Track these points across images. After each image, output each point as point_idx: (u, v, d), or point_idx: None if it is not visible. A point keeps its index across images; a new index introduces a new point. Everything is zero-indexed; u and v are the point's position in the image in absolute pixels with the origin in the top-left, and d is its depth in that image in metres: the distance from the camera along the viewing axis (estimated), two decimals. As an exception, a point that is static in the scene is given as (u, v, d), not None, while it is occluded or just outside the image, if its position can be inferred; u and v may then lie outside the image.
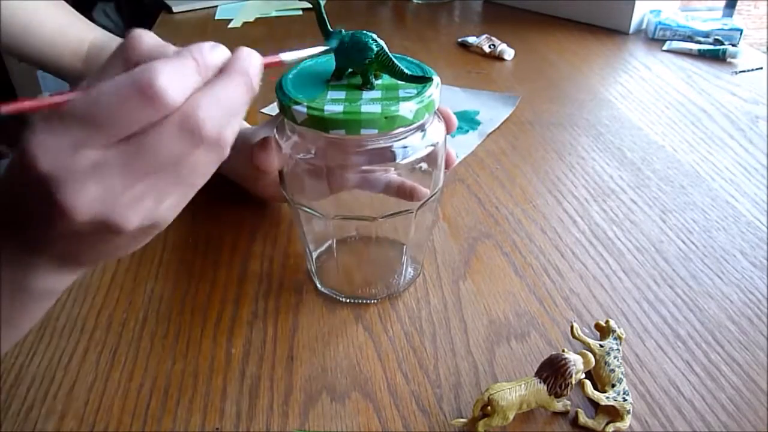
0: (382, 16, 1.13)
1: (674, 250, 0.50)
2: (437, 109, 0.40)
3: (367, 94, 0.36)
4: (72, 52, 0.61)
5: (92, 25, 0.65)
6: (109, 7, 2.07)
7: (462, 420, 0.35)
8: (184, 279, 0.47)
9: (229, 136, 0.27)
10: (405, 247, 0.44)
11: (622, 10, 0.98)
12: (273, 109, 0.74)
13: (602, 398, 0.36)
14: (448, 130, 0.42)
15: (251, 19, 1.07)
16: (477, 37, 0.94)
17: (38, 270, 0.29)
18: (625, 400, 0.36)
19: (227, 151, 0.27)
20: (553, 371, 0.35)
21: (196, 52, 0.26)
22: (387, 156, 0.37)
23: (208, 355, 0.41)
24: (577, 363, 0.35)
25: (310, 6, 0.39)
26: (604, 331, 0.41)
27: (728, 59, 0.87)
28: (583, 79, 0.83)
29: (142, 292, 0.46)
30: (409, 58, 0.40)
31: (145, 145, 0.25)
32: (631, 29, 0.98)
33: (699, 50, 0.89)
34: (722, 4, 1.21)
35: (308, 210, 0.41)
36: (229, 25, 1.06)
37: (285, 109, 0.36)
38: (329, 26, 0.38)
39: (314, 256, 0.46)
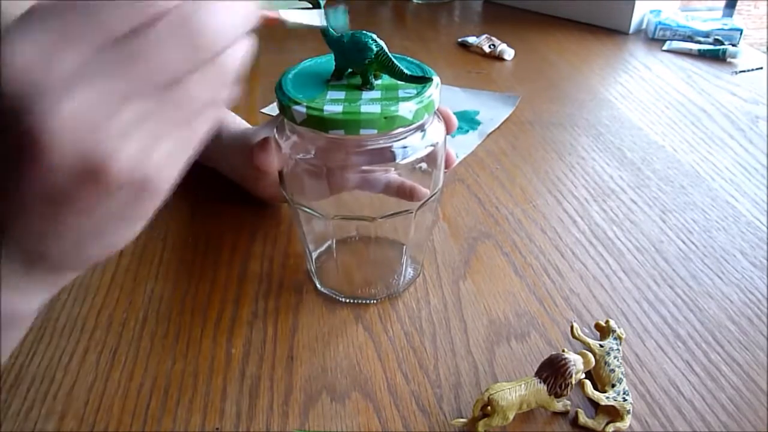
0: (382, 16, 1.13)
1: (674, 250, 0.50)
2: (437, 110, 0.40)
3: (366, 95, 0.36)
4: None
5: None
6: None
7: (462, 420, 0.35)
8: (184, 279, 0.47)
9: (233, 61, 0.23)
10: (405, 247, 0.44)
11: (622, 10, 0.98)
12: (273, 109, 0.74)
13: (602, 398, 0.36)
14: (448, 131, 0.42)
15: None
16: (477, 37, 0.94)
17: None
18: (625, 400, 0.36)
19: (230, 82, 0.24)
20: (553, 371, 0.35)
21: None
22: (387, 156, 0.37)
23: (208, 355, 0.41)
24: (577, 363, 0.35)
25: (311, 6, 0.39)
26: (604, 331, 0.41)
27: (728, 59, 0.87)
28: (583, 79, 0.83)
29: (142, 292, 0.46)
30: (409, 58, 0.40)
31: (135, 50, 0.21)
32: (631, 29, 0.98)
33: (699, 50, 0.89)
34: (722, 4, 1.21)
35: (308, 210, 0.41)
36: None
37: (284, 109, 0.36)
38: (329, 26, 0.38)
39: (314, 256, 0.46)
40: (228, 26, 0.22)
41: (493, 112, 0.73)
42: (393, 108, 0.34)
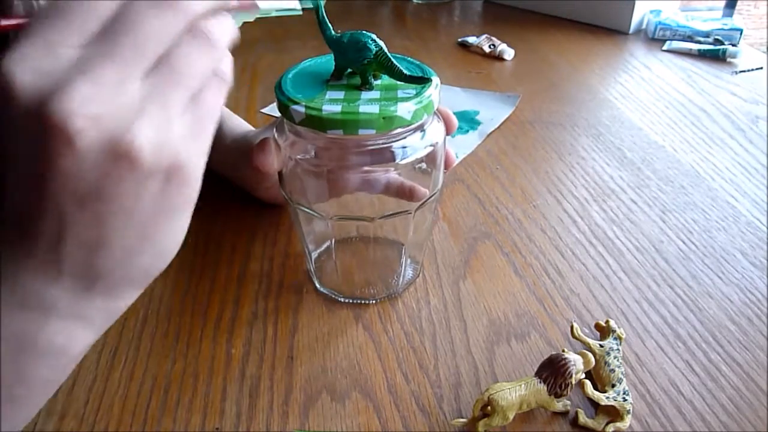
0: (382, 16, 1.13)
1: (674, 250, 0.50)
2: (437, 110, 0.40)
3: (365, 95, 0.36)
4: None
5: None
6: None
7: (462, 420, 0.35)
8: (184, 279, 0.47)
9: (219, 28, 0.25)
10: (404, 247, 0.44)
11: (622, 10, 0.98)
12: (273, 109, 0.74)
13: (602, 398, 0.36)
14: (448, 131, 0.42)
15: (251, 19, 1.07)
16: (477, 37, 0.94)
17: (47, 300, 0.24)
18: (625, 400, 0.36)
19: (219, 48, 0.25)
20: (553, 371, 0.35)
21: None
22: (386, 156, 0.37)
23: (208, 355, 0.41)
24: (577, 363, 0.35)
25: (311, 6, 0.39)
26: (604, 331, 0.41)
27: (728, 59, 0.87)
28: (583, 79, 0.83)
29: (142, 292, 0.45)
30: (409, 58, 0.40)
31: (120, 24, 0.22)
32: (631, 29, 0.98)
33: (699, 50, 0.89)
34: (722, 4, 1.21)
35: (307, 210, 0.41)
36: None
37: (284, 109, 0.36)
38: (329, 26, 0.38)
39: (314, 257, 0.46)
40: None
41: (493, 112, 0.73)
42: (391, 108, 0.34)
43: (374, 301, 0.45)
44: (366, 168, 0.38)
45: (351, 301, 0.45)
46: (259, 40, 0.96)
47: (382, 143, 0.36)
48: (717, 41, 0.90)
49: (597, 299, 0.45)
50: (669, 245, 0.51)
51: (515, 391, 0.34)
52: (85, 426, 0.36)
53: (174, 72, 0.23)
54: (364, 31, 0.37)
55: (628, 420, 0.35)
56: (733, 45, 0.89)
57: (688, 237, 0.52)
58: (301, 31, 0.99)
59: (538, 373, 0.36)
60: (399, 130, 0.36)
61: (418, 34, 1.01)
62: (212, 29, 0.24)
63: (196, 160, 0.24)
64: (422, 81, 0.37)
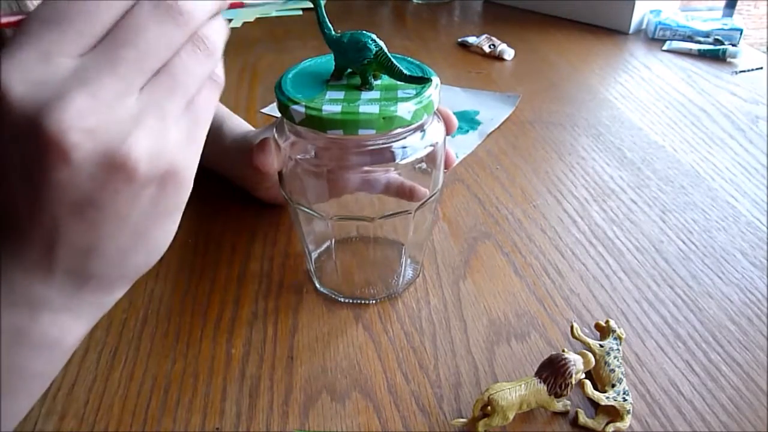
0: (382, 16, 1.13)
1: (674, 250, 0.50)
2: (437, 110, 0.40)
3: (365, 95, 0.36)
4: None
5: None
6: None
7: (462, 420, 0.35)
8: (184, 279, 0.47)
9: (214, 33, 0.24)
10: (404, 247, 0.44)
11: (622, 10, 0.98)
12: (273, 109, 0.74)
13: (602, 398, 0.36)
14: (448, 131, 0.42)
15: (251, 19, 1.07)
16: (477, 37, 0.94)
17: (41, 297, 0.24)
18: (625, 400, 0.36)
19: (216, 54, 0.25)
20: (553, 371, 0.35)
21: None
22: (386, 156, 0.37)
23: (208, 355, 0.41)
24: (577, 363, 0.35)
25: (311, 6, 0.39)
26: (604, 331, 0.41)
27: (728, 59, 0.87)
28: (583, 79, 0.83)
29: (142, 292, 0.46)
30: (409, 58, 0.40)
31: (121, 35, 0.22)
32: (631, 29, 0.98)
33: (699, 50, 0.89)
34: (722, 4, 1.21)
35: (307, 210, 0.41)
36: (230, 25, 1.06)
37: (284, 109, 0.36)
38: (329, 26, 0.38)
39: (314, 257, 0.46)
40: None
41: (493, 112, 0.73)
42: (391, 108, 0.34)
43: (374, 301, 0.45)
44: (366, 168, 0.38)
45: (351, 301, 0.45)
46: (259, 40, 0.96)
47: (382, 143, 0.36)
48: (717, 41, 0.90)
49: (597, 299, 0.45)
50: (669, 245, 0.51)
51: (515, 391, 0.34)
52: (85, 426, 0.36)
53: (173, 81, 0.23)
54: (364, 31, 0.37)
55: (628, 420, 0.35)
56: (733, 45, 0.89)
57: (688, 237, 0.52)
58: (301, 31, 0.99)
59: (538, 373, 0.36)
60: (399, 130, 0.36)
61: (418, 34, 1.01)
62: (210, 35, 0.24)
63: (190, 164, 0.25)
64: (422, 81, 0.37)
